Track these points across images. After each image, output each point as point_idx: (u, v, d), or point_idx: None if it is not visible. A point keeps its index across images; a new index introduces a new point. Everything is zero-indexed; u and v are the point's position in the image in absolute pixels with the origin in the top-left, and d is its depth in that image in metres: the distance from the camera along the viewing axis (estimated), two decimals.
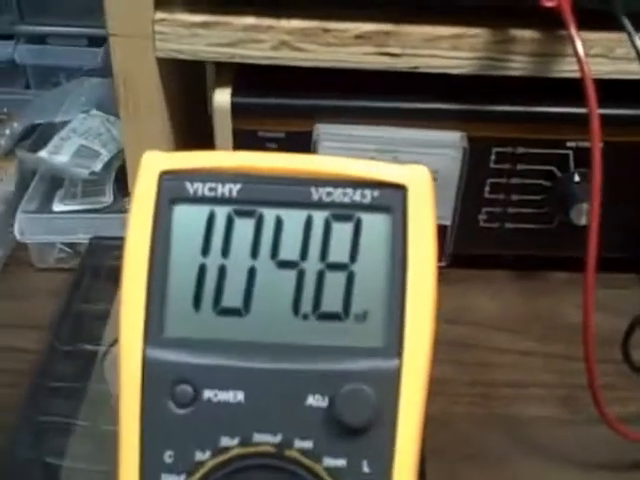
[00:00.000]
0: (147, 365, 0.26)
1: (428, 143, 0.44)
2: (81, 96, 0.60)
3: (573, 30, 0.36)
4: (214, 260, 0.27)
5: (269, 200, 0.27)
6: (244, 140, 0.45)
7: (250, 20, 0.41)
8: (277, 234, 0.27)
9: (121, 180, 0.53)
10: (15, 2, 0.65)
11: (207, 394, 0.26)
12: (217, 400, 0.26)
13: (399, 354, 0.26)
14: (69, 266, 0.51)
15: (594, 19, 0.38)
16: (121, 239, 0.27)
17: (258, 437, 0.26)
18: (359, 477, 0.26)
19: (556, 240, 0.49)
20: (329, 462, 0.26)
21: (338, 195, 0.27)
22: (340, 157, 0.28)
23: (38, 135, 0.57)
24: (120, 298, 0.27)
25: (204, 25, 0.41)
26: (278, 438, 0.26)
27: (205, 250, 0.27)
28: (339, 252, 0.27)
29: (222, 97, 0.44)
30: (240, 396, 0.26)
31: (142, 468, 0.26)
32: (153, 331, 0.26)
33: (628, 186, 0.46)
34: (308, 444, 0.26)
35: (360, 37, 0.41)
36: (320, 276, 0.27)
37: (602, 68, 0.41)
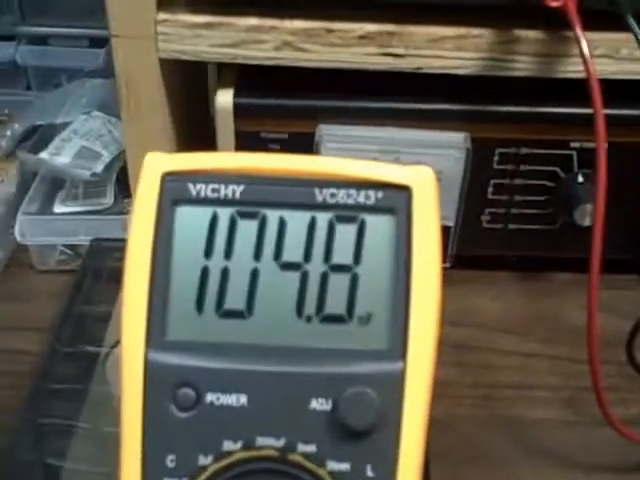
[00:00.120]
0: (149, 368, 0.26)
1: (431, 144, 0.44)
2: (82, 97, 0.60)
3: (578, 30, 0.36)
4: (217, 262, 0.27)
5: (272, 201, 0.27)
6: (246, 141, 0.44)
7: (253, 21, 0.41)
8: (280, 235, 0.27)
9: (122, 181, 0.53)
10: (16, 3, 0.65)
11: (210, 397, 0.26)
12: (220, 403, 0.26)
13: (403, 357, 0.26)
14: (70, 268, 0.51)
15: (599, 19, 0.38)
16: (122, 240, 0.27)
17: (261, 441, 0.26)
18: None
19: (560, 241, 0.48)
20: (333, 466, 0.25)
21: (342, 196, 0.27)
22: (344, 158, 0.28)
23: (39, 136, 0.57)
24: (122, 300, 0.26)
25: (207, 26, 0.41)
26: (281, 442, 0.26)
27: (208, 252, 0.27)
28: (343, 254, 0.27)
29: (224, 98, 0.44)
30: (243, 399, 0.26)
31: (144, 473, 0.26)
32: (155, 334, 0.26)
33: (631, 187, 0.46)
34: (311, 448, 0.25)
35: (363, 37, 0.41)
36: (324, 278, 0.27)
37: (607, 68, 0.41)
